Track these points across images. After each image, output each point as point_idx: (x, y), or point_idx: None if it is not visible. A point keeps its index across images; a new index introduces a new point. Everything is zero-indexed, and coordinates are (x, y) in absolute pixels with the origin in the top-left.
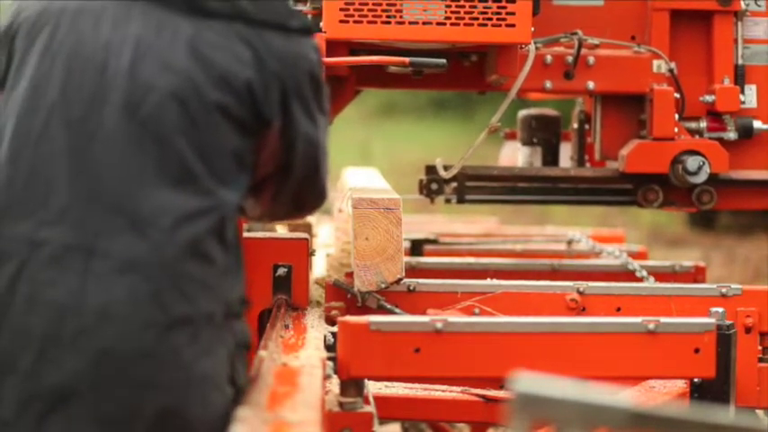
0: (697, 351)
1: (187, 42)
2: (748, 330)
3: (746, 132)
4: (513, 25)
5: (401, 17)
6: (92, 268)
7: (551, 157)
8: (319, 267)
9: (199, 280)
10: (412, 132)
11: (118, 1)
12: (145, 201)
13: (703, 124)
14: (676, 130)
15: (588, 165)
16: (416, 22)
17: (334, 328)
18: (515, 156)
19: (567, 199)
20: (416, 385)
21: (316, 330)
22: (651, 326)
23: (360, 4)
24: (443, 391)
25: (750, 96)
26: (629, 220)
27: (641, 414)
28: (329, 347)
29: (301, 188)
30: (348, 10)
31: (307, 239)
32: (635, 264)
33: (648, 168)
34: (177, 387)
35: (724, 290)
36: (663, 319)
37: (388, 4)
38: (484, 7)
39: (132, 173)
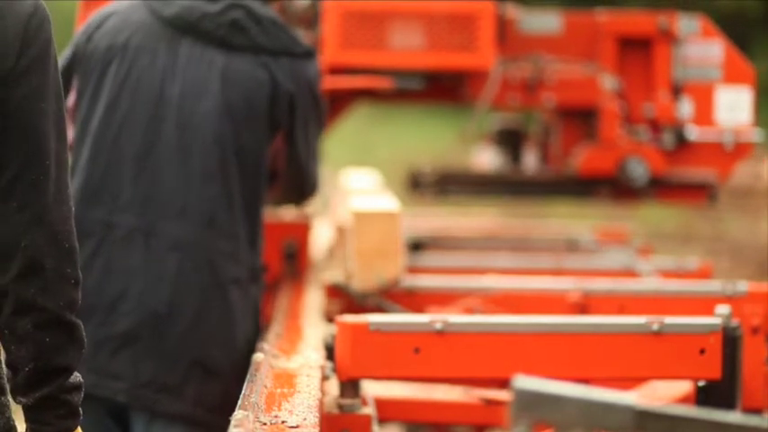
0: (702, 352)
1: (220, 71)
2: (755, 331)
3: (680, 141)
4: (477, 53)
5: (388, 44)
6: (150, 246)
7: (515, 158)
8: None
9: (228, 253)
10: (411, 124)
11: (167, 40)
12: (189, 195)
13: (645, 133)
14: (621, 138)
15: (548, 166)
16: (401, 49)
17: (334, 329)
18: (488, 156)
19: (533, 196)
20: (418, 385)
21: (314, 330)
22: (655, 326)
23: (355, 33)
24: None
25: (686, 108)
26: (628, 215)
27: (646, 413)
28: (328, 348)
29: (300, 179)
30: (346, 38)
31: (307, 223)
32: (640, 262)
33: (598, 172)
34: (213, 329)
35: (730, 288)
36: (667, 320)
37: (377, 33)
38: (454, 37)
39: (181, 174)
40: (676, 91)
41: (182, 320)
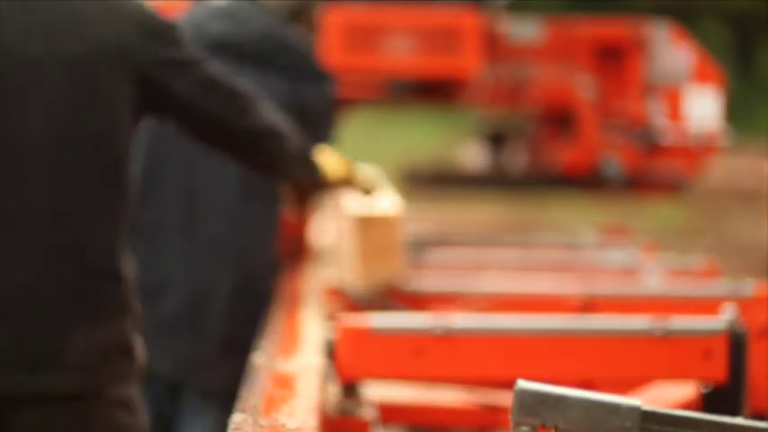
0: (708, 355)
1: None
2: (762, 333)
3: (653, 141)
4: (462, 61)
5: (384, 51)
6: (192, 241)
7: (499, 155)
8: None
9: (249, 246)
10: (404, 124)
11: (208, 53)
12: (220, 195)
13: (620, 134)
14: (598, 139)
15: (534, 164)
16: (395, 56)
17: (334, 330)
18: (475, 154)
19: (521, 192)
20: (420, 389)
21: (314, 332)
22: (660, 328)
23: (355, 40)
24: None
25: (658, 110)
26: (629, 212)
27: (652, 416)
28: (329, 350)
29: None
30: (347, 45)
31: (306, 220)
32: (644, 260)
33: (578, 171)
34: (246, 312)
35: (736, 290)
36: (672, 322)
37: (374, 41)
38: (442, 46)
39: (213, 177)
40: (649, 94)
41: (219, 305)
